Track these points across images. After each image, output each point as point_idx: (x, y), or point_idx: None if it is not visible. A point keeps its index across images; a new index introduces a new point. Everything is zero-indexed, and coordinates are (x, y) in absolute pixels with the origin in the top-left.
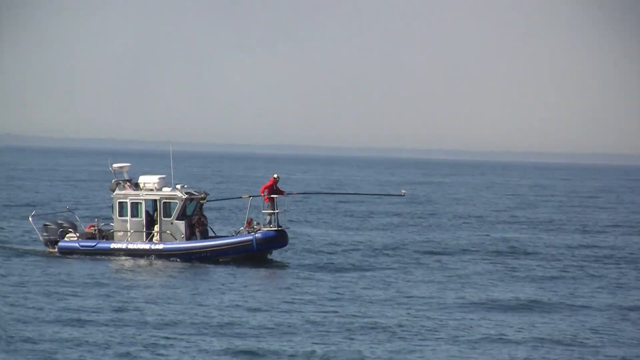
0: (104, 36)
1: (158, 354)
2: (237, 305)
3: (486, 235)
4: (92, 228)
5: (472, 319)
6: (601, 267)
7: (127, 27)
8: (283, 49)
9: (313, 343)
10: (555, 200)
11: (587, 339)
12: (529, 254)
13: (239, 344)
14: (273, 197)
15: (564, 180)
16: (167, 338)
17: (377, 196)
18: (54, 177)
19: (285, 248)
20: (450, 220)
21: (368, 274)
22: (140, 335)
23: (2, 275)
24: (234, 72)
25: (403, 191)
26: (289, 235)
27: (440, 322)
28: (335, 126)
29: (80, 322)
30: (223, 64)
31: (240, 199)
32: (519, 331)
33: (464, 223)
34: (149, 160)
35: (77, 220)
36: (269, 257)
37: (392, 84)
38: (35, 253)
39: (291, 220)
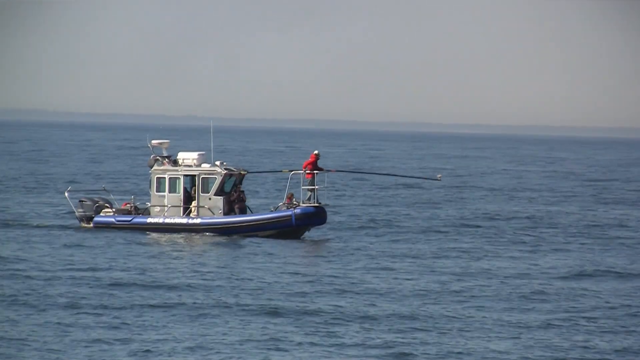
0: (135, 14)
1: (193, 328)
2: (275, 281)
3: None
4: (127, 205)
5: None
6: None
7: (159, 7)
8: (308, 26)
9: (349, 322)
10: None
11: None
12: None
13: (274, 321)
14: (313, 173)
15: None
16: (200, 313)
17: (415, 179)
18: (83, 153)
19: (324, 225)
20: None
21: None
22: (173, 310)
23: (33, 249)
24: (260, 50)
25: (439, 175)
26: (329, 212)
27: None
28: (357, 101)
29: (108, 296)
30: (249, 43)
31: (280, 173)
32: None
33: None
34: (178, 134)
35: (113, 199)
36: (306, 234)
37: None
38: (69, 228)
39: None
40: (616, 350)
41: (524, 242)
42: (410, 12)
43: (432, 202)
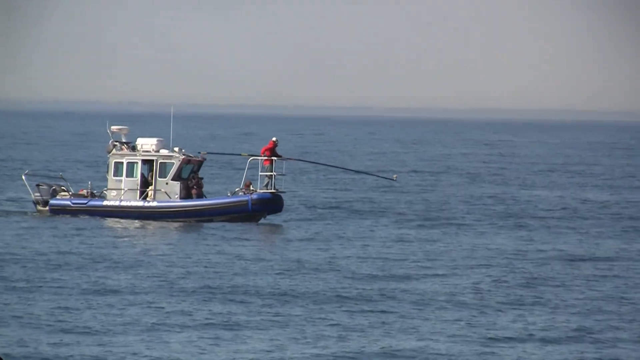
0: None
1: (148, 313)
2: (230, 263)
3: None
4: (83, 191)
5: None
6: None
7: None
8: (251, 7)
9: (308, 305)
10: None
11: None
12: None
13: (224, 304)
14: (271, 160)
15: None
16: (153, 299)
17: (369, 175)
18: (41, 140)
19: (280, 213)
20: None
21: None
22: (131, 295)
23: None
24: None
25: (395, 176)
26: (286, 200)
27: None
28: (312, 88)
29: (66, 283)
30: (189, 27)
31: (239, 157)
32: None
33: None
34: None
35: (68, 186)
36: (262, 220)
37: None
38: (24, 213)
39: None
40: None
41: (468, 225)
42: None
43: (392, 188)
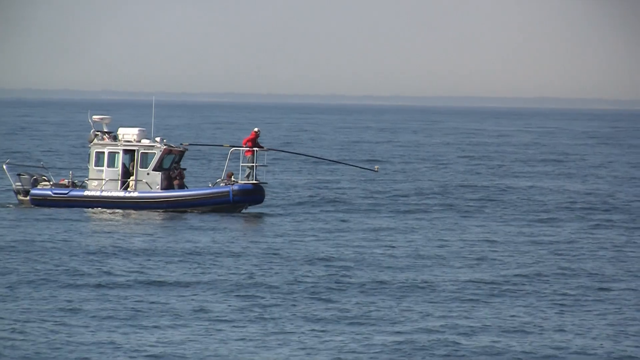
0: None
1: (137, 311)
2: (215, 254)
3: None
4: (65, 181)
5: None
6: None
7: None
8: None
9: (295, 297)
10: None
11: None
12: None
13: (207, 295)
14: (253, 151)
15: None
16: (143, 295)
17: (350, 166)
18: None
19: (261, 204)
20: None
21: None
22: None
23: None
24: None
25: (376, 167)
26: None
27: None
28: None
29: (52, 280)
30: (157, 15)
31: (221, 147)
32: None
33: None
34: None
35: (50, 175)
36: (244, 211)
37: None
38: (5, 204)
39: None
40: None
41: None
42: None
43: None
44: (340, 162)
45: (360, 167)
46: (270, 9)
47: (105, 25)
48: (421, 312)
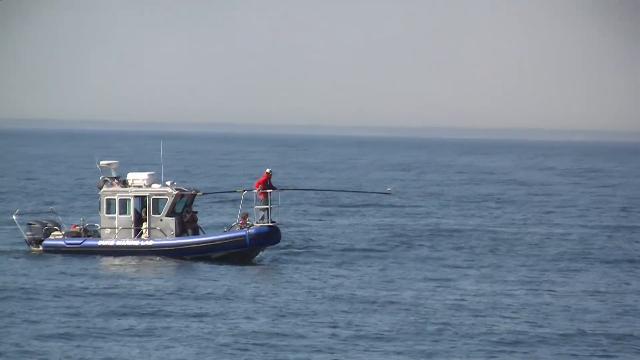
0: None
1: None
2: (235, 304)
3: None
4: (76, 227)
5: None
6: None
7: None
8: (203, 26)
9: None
10: None
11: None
12: None
13: (238, 344)
14: (267, 192)
15: None
16: (159, 338)
17: (364, 193)
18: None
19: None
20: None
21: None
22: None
23: None
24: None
25: (389, 189)
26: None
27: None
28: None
29: (73, 326)
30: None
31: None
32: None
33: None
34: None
35: (60, 221)
36: (259, 255)
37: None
38: (17, 253)
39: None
40: None
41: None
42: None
43: (385, 215)
44: (352, 191)
45: (373, 192)
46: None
47: (84, 54)
48: None
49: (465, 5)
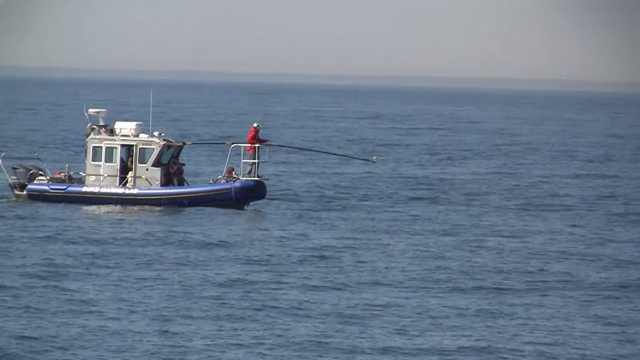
0: None
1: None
2: (218, 259)
3: None
4: (61, 174)
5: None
6: None
7: None
8: None
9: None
10: None
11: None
12: None
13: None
14: (255, 147)
15: None
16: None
17: (348, 158)
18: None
19: (263, 200)
20: None
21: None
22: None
23: None
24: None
25: (374, 158)
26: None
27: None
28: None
29: (53, 277)
30: None
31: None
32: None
33: None
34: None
35: (45, 167)
36: (246, 208)
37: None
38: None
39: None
40: None
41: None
42: None
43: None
44: (337, 155)
45: (359, 158)
46: None
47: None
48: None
49: None
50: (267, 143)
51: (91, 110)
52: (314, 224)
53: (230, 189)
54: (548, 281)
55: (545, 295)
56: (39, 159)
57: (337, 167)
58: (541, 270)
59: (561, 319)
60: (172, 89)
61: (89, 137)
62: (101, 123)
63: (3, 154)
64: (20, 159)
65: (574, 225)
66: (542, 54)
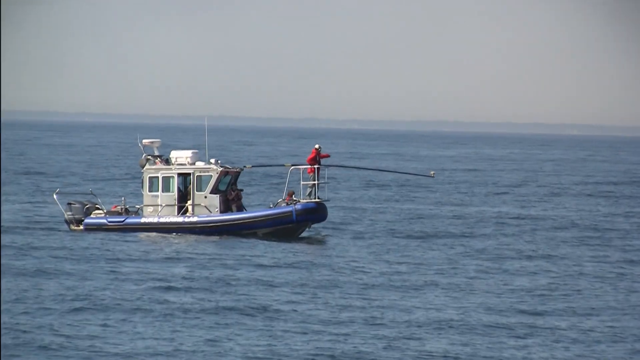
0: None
1: (194, 337)
2: (275, 284)
3: None
4: (117, 207)
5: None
6: None
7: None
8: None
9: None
10: None
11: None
12: None
13: (277, 326)
14: (315, 168)
15: None
16: (200, 319)
17: (408, 175)
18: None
19: (324, 222)
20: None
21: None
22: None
23: (32, 254)
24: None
25: (432, 172)
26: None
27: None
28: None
29: (112, 304)
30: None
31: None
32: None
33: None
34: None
35: (100, 202)
36: (306, 231)
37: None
38: (59, 231)
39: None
40: None
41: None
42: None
43: (432, 199)
44: (396, 172)
45: (417, 174)
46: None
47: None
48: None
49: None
50: (328, 165)
51: (145, 141)
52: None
53: (291, 211)
54: None
55: None
56: (92, 194)
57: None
58: None
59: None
60: (209, 133)
61: (144, 168)
62: (156, 153)
63: (58, 189)
64: (74, 194)
65: None
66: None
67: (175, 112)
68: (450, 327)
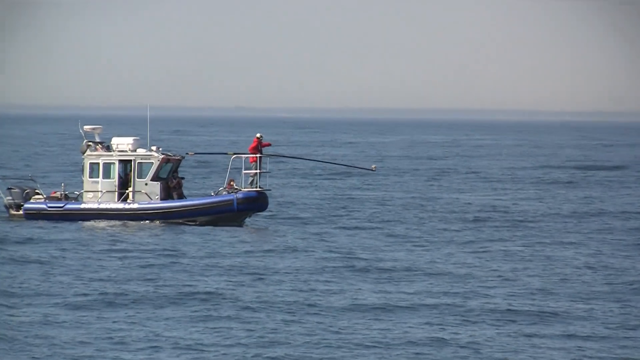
0: None
1: (134, 327)
2: (220, 270)
3: None
4: (57, 193)
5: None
6: None
7: None
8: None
9: (299, 314)
10: None
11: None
12: None
13: (219, 314)
14: (257, 157)
15: None
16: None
17: (348, 167)
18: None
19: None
20: None
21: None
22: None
23: None
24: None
25: (373, 166)
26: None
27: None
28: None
29: (55, 294)
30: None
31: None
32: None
33: None
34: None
35: (39, 188)
36: (246, 220)
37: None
38: None
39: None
40: None
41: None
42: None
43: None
44: (338, 164)
45: (359, 167)
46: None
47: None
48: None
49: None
50: (270, 154)
51: (86, 127)
52: (315, 235)
53: (232, 200)
54: None
55: None
56: (32, 179)
57: (338, 179)
58: None
59: None
60: (222, 125)
61: (85, 154)
62: (97, 139)
63: None
64: (15, 179)
65: None
66: None
67: (199, 104)
68: (366, 311)
